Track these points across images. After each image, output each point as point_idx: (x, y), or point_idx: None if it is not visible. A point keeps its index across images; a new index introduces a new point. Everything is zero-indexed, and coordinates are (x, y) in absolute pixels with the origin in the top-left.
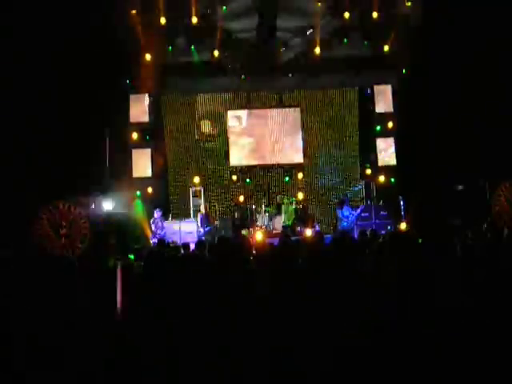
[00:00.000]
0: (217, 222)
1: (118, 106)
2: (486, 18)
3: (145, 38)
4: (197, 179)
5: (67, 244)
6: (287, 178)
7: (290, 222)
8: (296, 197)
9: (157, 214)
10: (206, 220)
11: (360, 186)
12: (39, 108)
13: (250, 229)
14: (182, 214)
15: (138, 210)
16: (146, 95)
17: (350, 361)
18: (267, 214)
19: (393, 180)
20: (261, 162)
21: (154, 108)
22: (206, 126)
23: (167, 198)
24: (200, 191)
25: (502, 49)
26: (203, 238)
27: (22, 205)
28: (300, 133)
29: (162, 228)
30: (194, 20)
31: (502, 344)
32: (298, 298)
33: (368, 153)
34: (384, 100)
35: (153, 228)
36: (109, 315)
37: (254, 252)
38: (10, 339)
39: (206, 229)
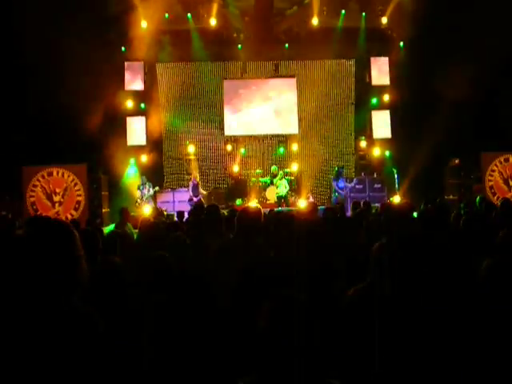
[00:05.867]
0: (205, 192)
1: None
2: None
3: (141, 6)
4: (191, 148)
5: (60, 211)
6: (282, 149)
7: (284, 193)
8: (290, 168)
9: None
10: (196, 189)
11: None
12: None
13: (244, 199)
14: (176, 182)
15: (130, 176)
16: (142, 63)
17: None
18: (261, 185)
19: (387, 153)
20: (255, 133)
21: (149, 76)
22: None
23: (161, 167)
24: (194, 160)
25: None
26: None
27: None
28: (295, 103)
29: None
30: None
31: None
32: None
33: (363, 125)
34: (380, 72)
35: (138, 194)
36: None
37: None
38: None
39: (197, 198)
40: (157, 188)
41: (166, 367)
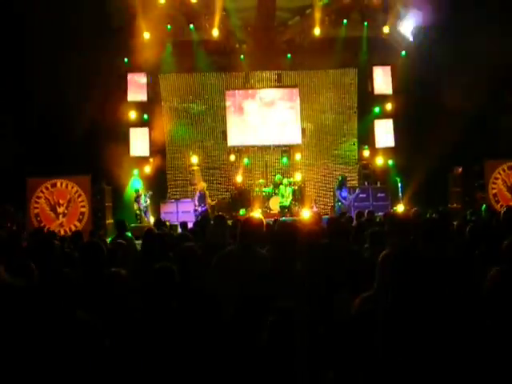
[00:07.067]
0: (213, 203)
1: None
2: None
3: (143, 17)
4: (194, 159)
5: (64, 223)
6: (285, 159)
7: (287, 203)
8: (294, 177)
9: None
10: (203, 199)
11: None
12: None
13: (248, 209)
14: (180, 193)
15: (134, 187)
16: (145, 74)
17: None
18: (264, 195)
19: (391, 162)
20: (259, 143)
21: (152, 87)
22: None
23: (165, 177)
24: (198, 171)
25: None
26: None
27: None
28: (298, 113)
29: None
30: None
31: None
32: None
33: (366, 134)
34: (383, 81)
35: (136, 206)
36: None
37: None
38: None
39: (203, 208)
40: (150, 192)
41: (169, 378)
